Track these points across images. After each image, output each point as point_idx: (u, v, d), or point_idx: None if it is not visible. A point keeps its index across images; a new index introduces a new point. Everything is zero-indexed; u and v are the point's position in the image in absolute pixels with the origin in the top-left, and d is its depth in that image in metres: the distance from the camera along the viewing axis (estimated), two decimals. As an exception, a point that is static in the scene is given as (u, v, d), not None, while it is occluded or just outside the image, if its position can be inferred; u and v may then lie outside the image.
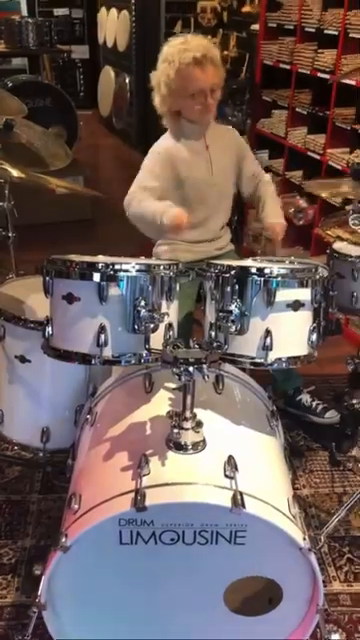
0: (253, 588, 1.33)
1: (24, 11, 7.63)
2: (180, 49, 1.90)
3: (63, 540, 1.21)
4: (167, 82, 1.93)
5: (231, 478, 1.22)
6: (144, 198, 1.91)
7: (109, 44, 6.82)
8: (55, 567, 1.23)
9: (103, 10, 7.00)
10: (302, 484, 2.07)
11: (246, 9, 4.16)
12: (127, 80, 6.42)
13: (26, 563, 1.74)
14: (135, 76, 6.17)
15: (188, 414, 1.30)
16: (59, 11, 7.82)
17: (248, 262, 1.61)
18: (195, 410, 1.33)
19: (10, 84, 4.44)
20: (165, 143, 2.08)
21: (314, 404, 2.34)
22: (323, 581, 1.68)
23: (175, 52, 1.91)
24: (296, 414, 2.35)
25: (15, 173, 1.59)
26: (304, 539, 1.23)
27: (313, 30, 3.04)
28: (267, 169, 3.69)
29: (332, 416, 2.31)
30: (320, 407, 2.33)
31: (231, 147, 2.14)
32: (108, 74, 7.01)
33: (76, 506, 1.27)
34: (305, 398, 2.35)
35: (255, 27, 3.76)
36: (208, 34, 4.78)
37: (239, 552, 1.25)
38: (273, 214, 2.09)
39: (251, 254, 2.22)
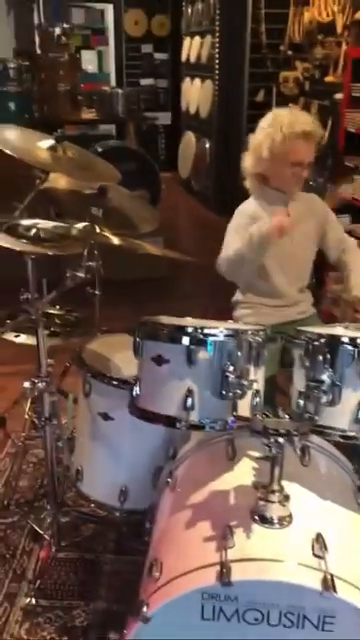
0: None
1: (113, 82, 8.17)
2: (290, 120, 1.98)
3: (144, 610, 1.18)
4: (270, 146, 2.00)
5: (320, 558, 1.16)
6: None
7: (191, 111, 7.12)
8: (135, 637, 1.20)
9: (187, 80, 7.36)
10: (387, 566, 1.94)
11: (329, 79, 4.25)
12: (207, 145, 6.66)
13: (98, 627, 1.70)
14: (215, 141, 6.39)
15: (275, 487, 1.26)
16: (145, 81, 8.31)
17: (338, 330, 1.58)
18: (282, 483, 1.29)
19: (100, 149, 4.69)
20: (251, 207, 2.13)
21: None
22: None
23: (285, 121, 1.98)
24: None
25: (115, 241, 1.66)
26: None
27: None
28: (349, 233, 3.67)
29: None
30: None
31: (314, 214, 2.16)
32: (189, 139, 7.30)
33: (157, 574, 1.24)
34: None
35: (339, 96, 3.83)
36: (289, 102, 4.93)
37: (327, 639, 1.18)
38: (358, 286, 2.06)
39: (330, 317, 2.19)
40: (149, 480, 1.77)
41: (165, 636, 1.21)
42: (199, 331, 1.35)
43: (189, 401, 1.34)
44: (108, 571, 1.90)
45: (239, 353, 1.35)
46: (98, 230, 1.71)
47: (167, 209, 6.08)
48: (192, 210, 6.85)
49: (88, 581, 1.86)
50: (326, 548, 1.18)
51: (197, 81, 6.91)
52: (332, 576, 1.12)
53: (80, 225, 1.72)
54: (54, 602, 1.79)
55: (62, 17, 7.37)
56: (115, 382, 1.75)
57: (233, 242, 2.02)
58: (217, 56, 6.05)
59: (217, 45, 6.03)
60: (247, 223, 2.03)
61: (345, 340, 1.33)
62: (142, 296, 3.72)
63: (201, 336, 1.35)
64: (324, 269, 3.85)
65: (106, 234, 1.69)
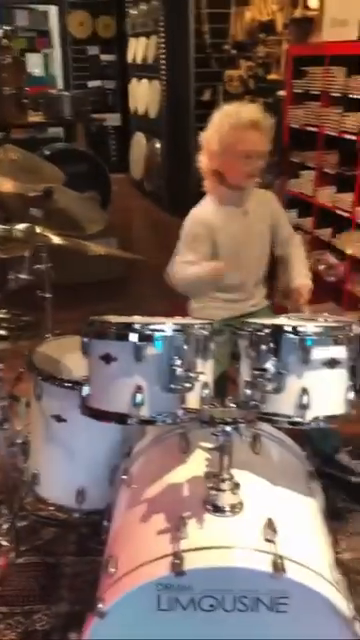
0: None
1: (60, 84, 8.10)
2: (236, 110, 2.00)
3: (100, 605, 1.18)
4: (219, 138, 1.99)
5: (271, 542, 1.19)
6: (184, 269, 2.00)
7: (140, 112, 7.13)
8: (92, 634, 1.20)
9: (134, 81, 7.37)
10: (343, 548, 2.00)
11: (272, 76, 4.33)
12: (157, 145, 6.68)
13: (60, 630, 1.70)
14: (165, 141, 6.41)
15: (225, 475, 1.29)
16: (93, 83, 8.27)
17: (282, 320, 1.62)
18: (232, 471, 1.32)
19: (47, 152, 4.65)
20: (204, 211, 2.13)
21: (353, 463, 2.28)
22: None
23: (231, 112, 1.99)
24: (335, 474, 2.28)
25: (56, 240, 1.65)
26: (348, 607, 1.18)
27: (338, 95, 3.15)
28: (296, 227, 3.75)
29: (371, 476, 2.25)
30: (359, 467, 2.27)
31: (268, 212, 2.20)
32: (139, 140, 7.31)
33: (113, 569, 1.25)
34: (343, 458, 2.29)
35: (281, 93, 3.90)
36: (235, 100, 4.99)
37: (281, 620, 1.20)
38: (300, 276, 2.12)
39: (282, 310, 2.24)
40: (106, 479, 1.78)
41: (122, 630, 1.22)
42: (146, 327, 1.36)
43: (139, 397, 1.35)
44: (69, 573, 1.89)
45: (186, 347, 1.37)
46: (39, 231, 1.70)
47: (120, 210, 6.07)
48: (145, 210, 6.86)
49: (49, 585, 1.85)
50: (276, 532, 1.21)
51: (144, 82, 6.92)
52: (282, 558, 1.15)
53: (21, 226, 1.71)
54: (14, 608, 1.78)
55: (4, 19, 7.28)
56: (66, 384, 1.75)
57: (184, 260, 2.02)
58: (163, 57, 6.07)
59: (162, 46, 6.06)
60: (197, 234, 2.05)
61: (288, 329, 1.36)
62: (97, 298, 3.70)
63: (148, 332, 1.36)
64: (276, 263, 3.94)
65: (47, 234, 1.68)
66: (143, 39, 6.75)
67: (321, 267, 3.31)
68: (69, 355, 1.89)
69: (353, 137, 3.04)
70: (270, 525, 1.23)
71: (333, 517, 2.07)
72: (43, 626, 1.72)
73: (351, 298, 3.15)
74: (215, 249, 2.08)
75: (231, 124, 1.98)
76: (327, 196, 3.35)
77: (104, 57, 8.28)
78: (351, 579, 1.85)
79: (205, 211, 2.12)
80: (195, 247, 2.05)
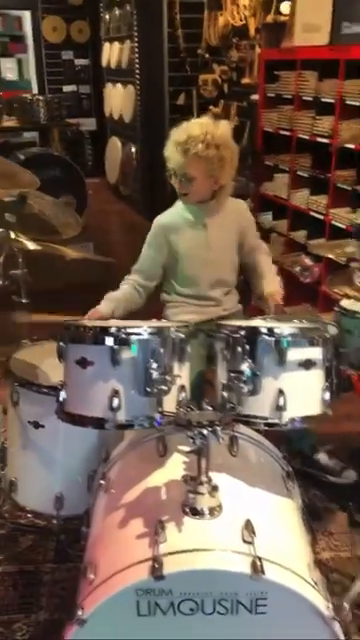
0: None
1: (35, 89, 8.06)
2: (179, 128, 2.04)
3: (79, 613, 1.17)
4: (167, 156, 2.07)
5: (249, 543, 1.19)
6: (124, 283, 2.16)
7: (115, 116, 7.13)
8: (71, 642, 1.19)
9: (109, 85, 7.36)
10: (322, 547, 2.01)
11: (246, 81, 4.36)
12: (133, 149, 6.68)
13: (41, 639, 1.68)
14: (140, 145, 6.42)
15: (203, 478, 1.29)
16: (67, 88, 8.24)
17: (257, 322, 1.63)
18: (210, 474, 1.32)
19: (22, 157, 4.63)
20: (167, 217, 2.19)
21: (331, 463, 2.30)
22: (349, 652, 1.62)
23: (177, 129, 2.04)
24: (313, 474, 2.30)
25: (30, 246, 1.64)
26: (327, 607, 1.19)
27: (310, 99, 3.19)
28: (271, 230, 3.78)
29: (350, 475, 2.27)
30: (337, 466, 2.29)
31: (234, 223, 2.19)
32: (115, 144, 7.30)
33: (92, 576, 1.24)
34: (322, 457, 2.31)
35: (255, 97, 3.93)
36: (210, 104, 5.02)
37: (261, 622, 1.20)
38: (270, 284, 2.14)
39: (259, 312, 2.26)
40: (84, 485, 1.77)
41: (102, 637, 1.21)
42: (122, 331, 1.36)
43: (115, 401, 1.34)
44: (48, 580, 1.87)
45: (162, 350, 1.36)
46: (13, 236, 1.68)
47: (96, 214, 6.05)
48: (121, 214, 6.85)
49: (28, 593, 1.83)
50: (255, 533, 1.22)
51: (119, 86, 6.92)
52: (260, 559, 1.15)
53: (-6, 232, 1.70)
54: (-7, 618, 1.75)
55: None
56: (43, 389, 1.73)
57: (142, 259, 2.17)
58: (137, 61, 6.08)
59: (136, 50, 6.06)
60: (157, 235, 2.14)
61: (263, 331, 1.37)
62: (75, 303, 3.68)
63: (124, 336, 1.35)
64: (248, 270, 3.95)
65: (21, 239, 1.67)
66: (117, 43, 6.75)
67: (296, 269, 3.34)
68: (46, 360, 1.87)
69: (325, 140, 3.07)
70: (248, 527, 1.23)
71: (312, 517, 2.09)
72: (23, 635, 1.70)
73: (326, 299, 3.18)
74: (175, 257, 2.14)
75: (170, 140, 2.05)
76: (301, 198, 3.39)
77: (78, 62, 8.25)
78: (330, 579, 1.87)
79: (168, 217, 2.18)
80: (147, 252, 2.17)
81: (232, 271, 2.25)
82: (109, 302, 2.07)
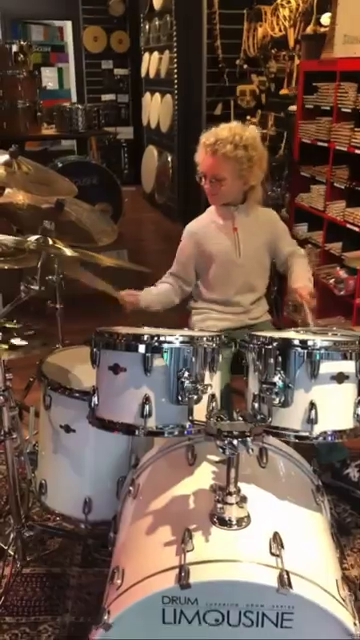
0: None
1: (74, 98, 8.21)
2: (210, 131, 2.09)
3: (105, 617, 1.18)
4: (198, 161, 2.13)
5: (277, 556, 1.19)
6: (162, 281, 2.23)
7: (152, 125, 7.20)
8: (97, 646, 1.20)
9: (147, 95, 7.44)
10: (350, 564, 1.98)
11: (284, 91, 4.36)
12: (169, 158, 6.73)
13: (65, 641, 1.70)
14: (177, 154, 6.46)
15: (232, 488, 1.29)
16: (106, 97, 8.37)
17: (290, 333, 1.63)
18: (239, 484, 1.31)
19: (60, 164, 4.70)
20: (198, 222, 2.24)
21: (361, 479, 2.26)
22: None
23: (208, 132, 2.10)
24: (343, 488, 2.27)
25: (68, 252, 1.67)
26: (355, 624, 1.17)
27: (349, 110, 3.16)
28: (306, 241, 3.75)
29: (380, 491, 2.24)
30: (367, 482, 2.26)
31: (265, 230, 2.22)
32: (151, 153, 7.37)
33: (119, 581, 1.24)
34: (352, 472, 2.28)
35: (293, 108, 3.92)
36: (247, 115, 5.02)
37: (287, 636, 1.19)
38: (299, 279, 2.14)
39: (292, 324, 2.25)
40: (113, 490, 1.78)
41: (127, 642, 1.22)
42: (155, 339, 1.37)
43: (146, 408, 1.36)
44: (75, 584, 1.89)
45: (194, 359, 1.37)
46: (50, 242, 1.72)
47: (131, 223, 6.11)
48: (156, 223, 6.90)
49: (54, 595, 1.85)
50: (283, 546, 1.21)
51: (157, 96, 6.99)
52: (288, 573, 1.15)
53: (33, 238, 1.74)
54: (20, 618, 1.77)
55: (20, 34, 7.40)
56: (75, 394, 1.75)
57: (175, 263, 2.23)
58: (175, 71, 6.14)
59: (175, 60, 6.12)
60: (188, 240, 2.20)
61: (296, 343, 1.37)
62: (107, 310, 3.71)
63: (156, 344, 1.37)
64: (286, 278, 3.94)
65: (58, 246, 1.70)
66: (156, 53, 6.83)
67: (331, 281, 3.31)
68: (79, 366, 1.90)
69: (364, 152, 3.05)
70: (276, 539, 1.22)
71: (341, 532, 2.07)
72: (49, 637, 1.71)
73: (361, 312, 3.14)
74: (206, 260, 2.17)
75: (200, 144, 2.10)
76: (337, 210, 3.36)
77: (118, 71, 8.38)
78: (358, 597, 1.84)
79: (198, 222, 2.23)
80: (183, 260, 2.22)
81: (261, 277, 2.26)
82: (147, 294, 2.17)
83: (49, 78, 8.61)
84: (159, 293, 2.19)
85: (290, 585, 1.13)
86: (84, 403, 1.58)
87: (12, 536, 1.88)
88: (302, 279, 2.16)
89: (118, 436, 1.74)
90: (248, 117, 4.95)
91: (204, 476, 1.45)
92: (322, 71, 3.45)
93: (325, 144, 3.40)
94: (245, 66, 5.07)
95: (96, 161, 5.51)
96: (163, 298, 2.20)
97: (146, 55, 7.30)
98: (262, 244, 2.20)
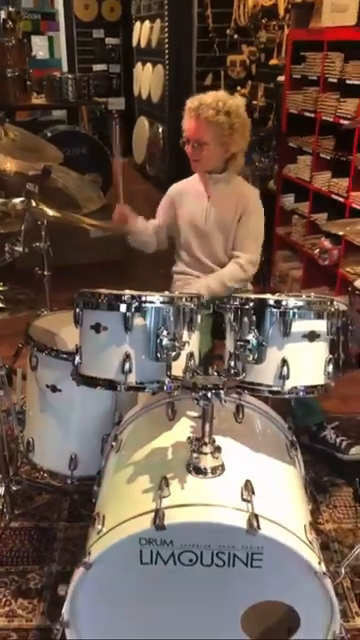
0: (272, 617, 1.35)
1: (65, 67, 8.10)
2: (195, 97, 2.14)
3: (86, 558, 1.26)
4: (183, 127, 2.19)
5: (248, 501, 1.26)
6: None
7: (144, 96, 7.14)
8: (78, 584, 1.28)
9: (139, 65, 7.36)
10: (325, 519, 2.07)
11: (273, 62, 4.34)
12: (160, 129, 6.70)
13: (52, 588, 1.78)
14: (168, 125, 6.43)
15: (207, 439, 1.36)
16: (98, 67, 8.26)
17: (266, 295, 1.68)
18: (215, 437, 1.38)
19: (49, 134, 4.69)
20: (180, 185, 2.33)
21: (338, 440, 2.35)
22: (346, 616, 1.69)
23: (192, 98, 2.15)
24: (321, 450, 2.36)
25: (51, 213, 1.71)
26: (319, 563, 1.25)
27: (335, 81, 3.18)
28: (293, 212, 3.80)
29: (357, 452, 2.32)
30: (344, 443, 2.34)
31: (235, 203, 2.19)
32: (142, 124, 7.32)
33: (99, 526, 1.32)
34: (329, 434, 2.36)
35: (281, 78, 3.92)
36: (237, 85, 5.00)
37: (256, 576, 1.28)
38: (203, 280, 2.19)
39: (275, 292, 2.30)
40: (98, 447, 1.85)
41: (107, 582, 1.30)
42: (135, 299, 1.43)
43: (127, 365, 1.42)
44: (61, 537, 1.97)
45: (172, 318, 1.43)
46: (34, 204, 1.76)
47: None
48: (147, 194, 6.87)
49: (42, 547, 1.94)
50: (254, 493, 1.29)
51: (148, 66, 6.92)
52: (257, 516, 1.22)
53: (17, 200, 1.77)
54: (9, 568, 1.86)
55: (9, 0, 7.26)
56: (61, 355, 1.81)
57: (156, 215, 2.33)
58: (167, 41, 6.06)
59: (166, 29, 6.05)
60: (166, 199, 2.31)
61: (270, 302, 1.43)
62: (97, 280, 3.76)
63: (137, 303, 1.43)
64: (273, 249, 3.99)
65: (41, 207, 1.74)
66: (147, 22, 6.74)
67: (316, 251, 3.36)
68: (64, 328, 1.95)
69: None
70: (248, 486, 1.30)
71: (318, 490, 2.17)
72: (36, 584, 1.81)
73: (344, 282, 3.20)
74: (174, 221, 2.27)
75: (185, 108, 2.15)
76: (323, 181, 3.39)
77: (109, 40, 8.26)
78: (331, 548, 1.94)
79: (178, 186, 2.32)
80: (160, 212, 2.32)
81: (224, 251, 2.23)
82: (137, 220, 2.25)
83: (39, 47, 8.45)
84: (146, 226, 2.27)
85: (259, 527, 1.21)
86: (69, 364, 1.64)
87: (1, 491, 1.95)
88: (204, 282, 2.17)
89: (102, 395, 1.81)
90: (238, 88, 4.94)
91: (182, 430, 1.52)
92: (310, 40, 3.46)
93: (312, 114, 3.42)
94: (235, 36, 5.02)
95: (86, 131, 5.48)
96: (144, 230, 2.26)
97: (137, 24, 7.20)
98: (227, 214, 2.19)
